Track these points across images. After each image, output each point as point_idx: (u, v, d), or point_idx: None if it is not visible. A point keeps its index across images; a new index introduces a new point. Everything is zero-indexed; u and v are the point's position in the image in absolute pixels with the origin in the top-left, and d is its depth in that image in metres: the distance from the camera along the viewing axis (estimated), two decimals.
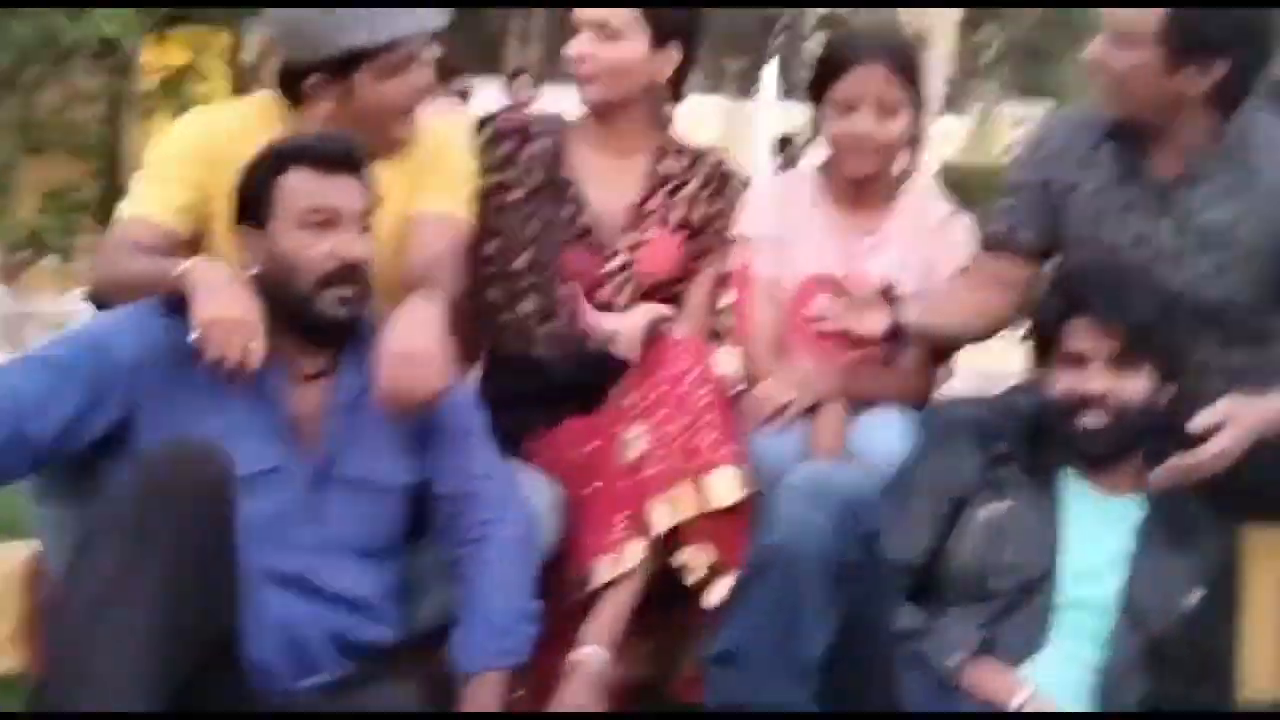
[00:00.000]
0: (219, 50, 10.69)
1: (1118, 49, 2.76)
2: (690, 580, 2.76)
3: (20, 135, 9.51)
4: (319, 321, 2.51)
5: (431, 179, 2.87)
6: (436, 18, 2.81)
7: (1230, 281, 2.83)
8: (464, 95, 9.40)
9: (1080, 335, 2.61)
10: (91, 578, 2.10)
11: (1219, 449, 2.58)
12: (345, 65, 2.74)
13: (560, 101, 3.42)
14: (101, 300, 2.65)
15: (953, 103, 21.31)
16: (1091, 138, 2.91)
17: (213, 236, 2.76)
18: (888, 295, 2.96)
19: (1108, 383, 2.60)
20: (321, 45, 2.73)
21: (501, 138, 3.11)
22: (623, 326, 2.92)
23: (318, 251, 2.48)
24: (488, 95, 10.69)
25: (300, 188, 2.49)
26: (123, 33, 9.20)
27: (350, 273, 2.50)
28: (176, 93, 9.88)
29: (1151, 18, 2.71)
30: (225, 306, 2.42)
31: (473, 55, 11.98)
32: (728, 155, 3.23)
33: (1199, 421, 2.60)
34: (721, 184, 3.14)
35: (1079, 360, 2.61)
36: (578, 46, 3.02)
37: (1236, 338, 2.86)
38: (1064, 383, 2.62)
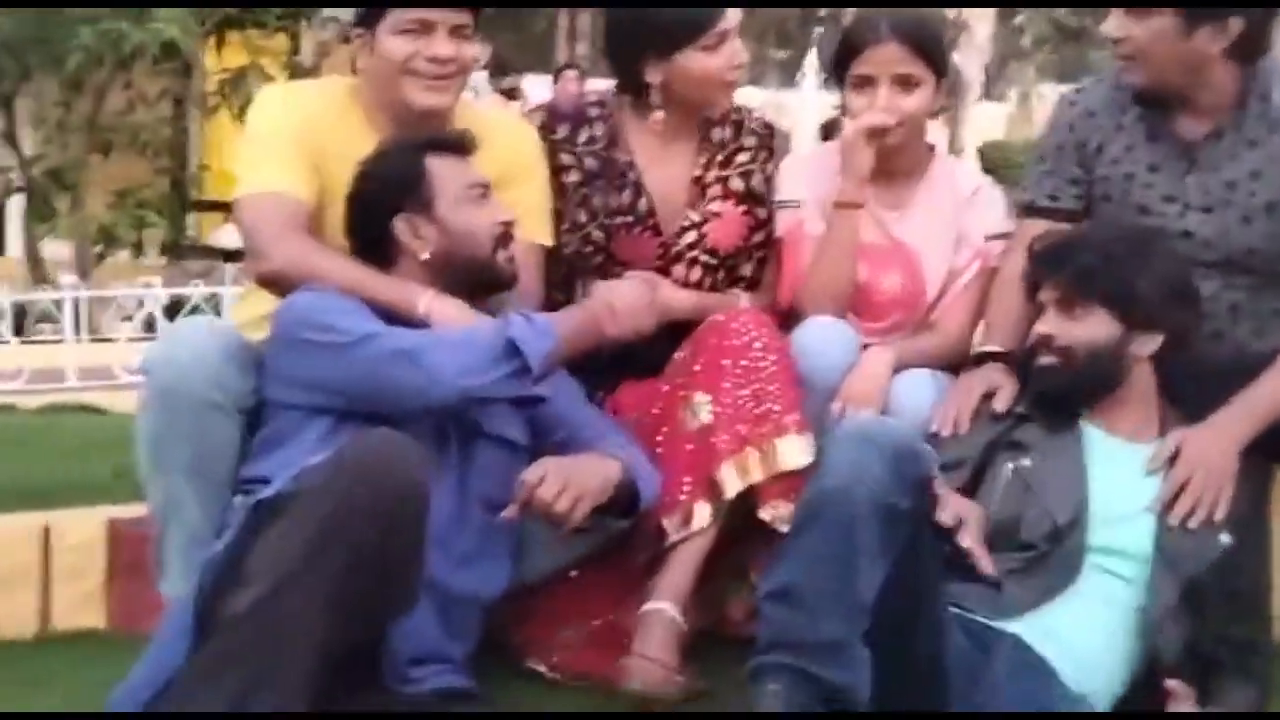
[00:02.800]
0: (276, 52, 10.79)
1: (1135, 20, 2.82)
2: (784, 530, 2.75)
3: (89, 136, 9.65)
4: (499, 279, 2.73)
5: (518, 191, 2.92)
6: None
7: (1257, 230, 2.88)
8: (512, 94, 9.48)
9: (1042, 287, 2.73)
10: (274, 561, 2.10)
11: (1194, 485, 2.64)
12: (372, 18, 2.84)
13: None
14: (284, 289, 2.68)
15: (991, 87, 21.21)
16: (1118, 104, 2.97)
17: (327, 207, 2.81)
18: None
19: (1054, 326, 2.69)
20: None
21: (557, 122, 3.13)
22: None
23: (487, 219, 2.70)
24: (537, 93, 10.76)
25: (450, 171, 2.70)
26: (183, 37, 9.32)
27: (510, 233, 2.73)
28: (236, 93, 9.99)
29: None
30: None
31: (522, 53, 12.06)
32: (759, 113, 3.27)
33: (1156, 458, 2.69)
34: (770, 145, 3.18)
35: (1040, 308, 2.73)
36: (741, 55, 3.04)
37: (1264, 284, 2.92)
38: (1034, 329, 2.74)
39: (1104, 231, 2.82)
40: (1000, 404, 2.78)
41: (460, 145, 2.74)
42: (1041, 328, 2.72)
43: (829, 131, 14.98)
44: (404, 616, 2.27)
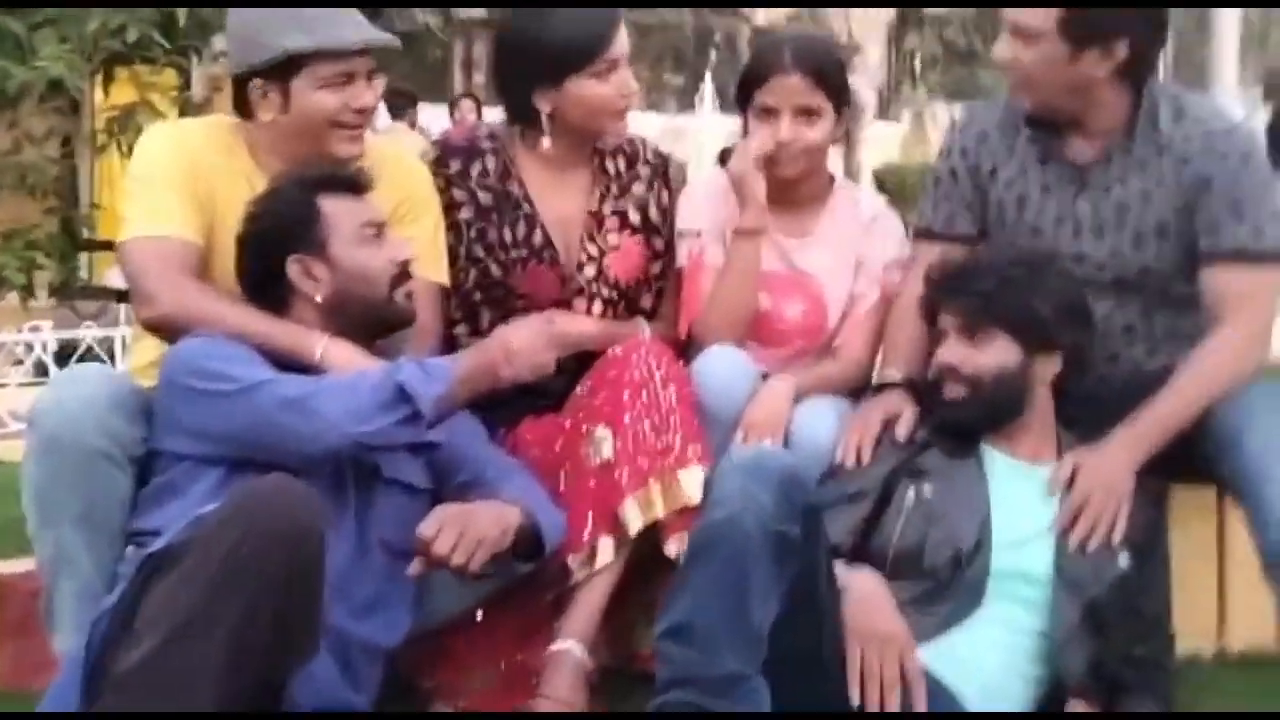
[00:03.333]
0: (165, 88, 10.65)
1: (1023, 45, 2.84)
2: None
3: None
4: (397, 319, 2.71)
5: (411, 228, 2.89)
6: (381, 36, 2.83)
7: (1147, 252, 2.91)
8: (410, 123, 9.47)
9: (940, 314, 2.74)
10: (167, 612, 2.07)
11: (1092, 507, 2.67)
12: (284, 71, 2.76)
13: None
14: (173, 334, 2.64)
15: (885, 109, 21.45)
16: (1011, 126, 3.00)
17: (215, 248, 2.76)
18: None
19: (957, 355, 2.70)
20: (262, 48, 2.77)
21: (449, 156, 3.11)
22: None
23: (383, 258, 2.66)
24: (433, 123, 10.72)
25: (344, 209, 2.65)
26: (70, 74, 9.17)
27: (408, 271, 2.70)
28: (126, 130, 9.84)
29: (1050, 12, 2.79)
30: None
31: (416, 84, 12.02)
32: (653, 144, 3.26)
33: (1055, 480, 2.71)
34: (665, 174, 3.18)
35: (941, 336, 2.73)
36: (633, 82, 3.03)
37: (1157, 305, 2.95)
38: (933, 359, 2.74)
39: (999, 255, 2.83)
40: (902, 431, 2.78)
41: (354, 184, 2.70)
42: (945, 356, 2.72)
43: (727, 157, 15.11)
44: (303, 665, 2.22)
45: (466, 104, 11.45)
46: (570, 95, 3.00)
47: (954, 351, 2.71)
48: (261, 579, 2.08)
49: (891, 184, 16.49)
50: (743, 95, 3.12)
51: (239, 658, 2.06)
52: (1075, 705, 2.56)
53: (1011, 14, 2.85)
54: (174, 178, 2.77)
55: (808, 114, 3.06)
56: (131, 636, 2.09)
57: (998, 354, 2.70)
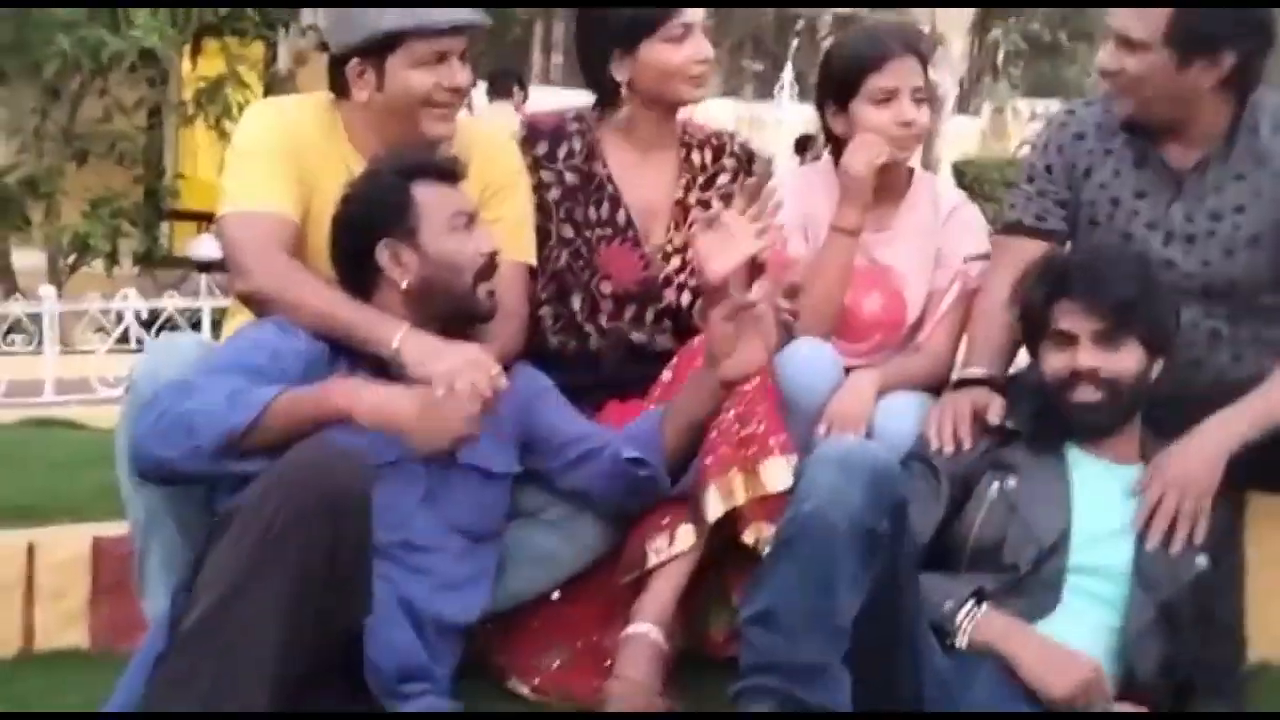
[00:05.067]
0: (253, 61, 10.75)
1: (1128, 54, 2.83)
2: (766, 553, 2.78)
3: (65, 144, 9.61)
4: (478, 313, 2.71)
5: (500, 208, 2.93)
6: (473, 15, 2.87)
7: (1238, 262, 2.91)
8: (517, 105, 9.43)
9: (1067, 315, 2.71)
10: (220, 575, 2.14)
11: (1169, 503, 2.67)
12: (381, 50, 2.81)
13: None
14: (263, 309, 2.70)
15: (965, 102, 21.30)
16: (1108, 128, 2.99)
17: (311, 225, 2.81)
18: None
19: (1097, 359, 2.69)
20: (359, 28, 2.82)
21: (536, 137, 3.15)
22: None
23: (470, 249, 2.68)
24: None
25: (436, 198, 2.68)
26: (161, 44, 9.29)
27: (493, 265, 2.71)
28: (213, 102, 9.94)
29: (1157, 21, 2.78)
30: (454, 355, 2.54)
31: (494, 63, 12.03)
32: (740, 138, 3.29)
33: (1141, 482, 2.72)
34: (750, 168, 3.21)
35: (1069, 339, 2.71)
36: (706, 49, 3.07)
37: (1244, 312, 2.95)
38: (1056, 361, 2.72)
39: (1125, 260, 2.78)
40: (993, 417, 2.79)
41: (449, 171, 2.73)
42: (1085, 360, 2.69)
43: (804, 146, 15.05)
44: (361, 621, 2.27)
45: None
46: (644, 61, 3.06)
47: (1093, 355, 2.69)
48: (307, 538, 2.12)
49: (969, 178, 16.40)
50: (846, 85, 3.12)
51: (291, 615, 2.11)
52: (1122, 706, 2.57)
53: (1117, 23, 2.84)
54: (274, 154, 2.82)
55: (922, 98, 3.10)
56: (192, 598, 2.16)
57: (1133, 359, 2.70)
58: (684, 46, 3.06)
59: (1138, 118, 2.92)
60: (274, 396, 2.39)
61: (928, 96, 3.12)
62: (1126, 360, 2.69)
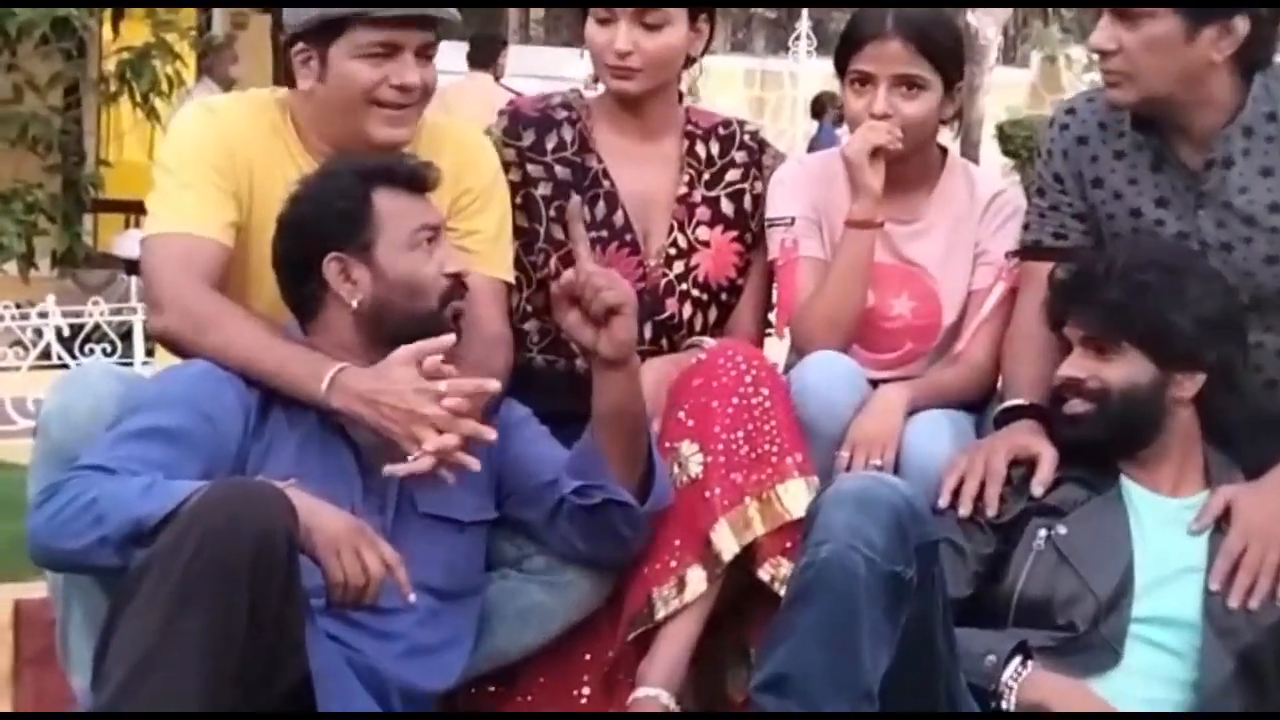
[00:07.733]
0: (184, 28, 10.75)
1: (1130, 27, 2.81)
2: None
3: None
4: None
5: (475, 220, 2.95)
6: (432, 10, 2.84)
7: None
8: (496, 75, 9.45)
9: (1068, 324, 2.76)
10: (131, 643, 2.15)
11: (1252, 556, 2.69)
12: (325, 35, 2.81)
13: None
14: (178, 352, 2.71)
15: (1012, 51, 21.27)
16: (1112, 129, 2.98)
17: (252, 236, 2.82)
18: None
19: (1083, 369, 2.73)
20: (306, 10, 2.82)
21: (522, 126, 3.15)
22: None
23: (432, 271, 2.68)
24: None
25: (400, 208, 2.68)
26: (77, 12, 9.28)
27: (460, 287, 2.71)
28: (139, 76, 9.94)
29: None
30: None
31: (471, 22, 12.03)
32: (751, 126, 3.31)
33: (1204, 515, 2.74)
34: (760, 161, 3.22)
35: (1070, 350, 2.76)
36: (620, 42, 3.05)
37: None
38: (1059, 372, 2.77)
39: (1132, 258, 2.81)
40: (1038, 487, 2.78)
41: (419, 180, 2.72)
42: (1068, 370, 2.75)
43: (820, 106, 15.01)
44: (297, 679, 2.27)
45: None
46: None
47: (1078, 364, 2.74)
48: (224, 589, 2.14)
49: (1018, 140, 16.31)
50: (840, 61, 3.14)
51: (214, 678, 2.13)
52: None
53: None
54: (207, 164, 2.82)
55: (908, 85, 3.07)
56: (105, 672, 2.18)
57: (1127, 369, 2.72)
58: (604, 32, 3.07)
59: (1138, 110, 2.90)
60: (191, 492, 2.33)
61: (924, 83, 3.08)
62: (1120, 370, 2.72)
